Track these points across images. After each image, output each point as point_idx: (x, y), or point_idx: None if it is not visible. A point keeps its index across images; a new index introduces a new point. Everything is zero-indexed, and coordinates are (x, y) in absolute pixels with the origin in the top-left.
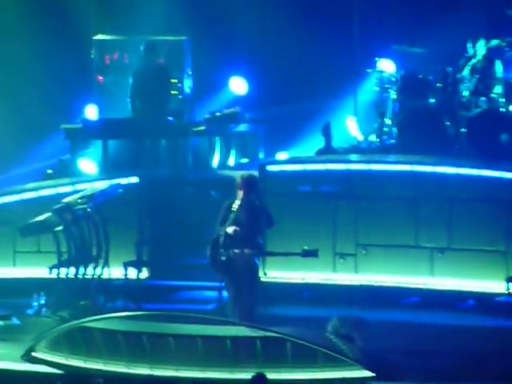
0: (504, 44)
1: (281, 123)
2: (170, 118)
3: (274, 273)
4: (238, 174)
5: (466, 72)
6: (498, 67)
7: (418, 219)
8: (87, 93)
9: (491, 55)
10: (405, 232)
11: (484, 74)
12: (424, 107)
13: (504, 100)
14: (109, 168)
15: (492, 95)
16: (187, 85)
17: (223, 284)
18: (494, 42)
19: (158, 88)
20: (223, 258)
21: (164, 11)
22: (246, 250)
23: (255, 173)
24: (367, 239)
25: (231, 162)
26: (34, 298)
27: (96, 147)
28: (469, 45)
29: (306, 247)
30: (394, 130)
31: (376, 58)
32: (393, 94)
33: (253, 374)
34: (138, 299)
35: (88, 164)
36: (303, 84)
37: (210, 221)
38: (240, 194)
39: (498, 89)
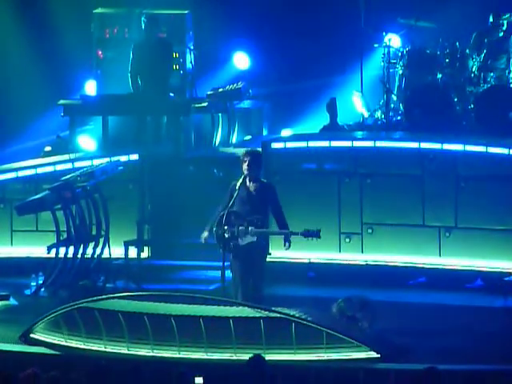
0: None
1: (285, 99)
2: (172, 94)
3: (278, 252)
4: (241, 151)
5: (477, 46)
6: None
7: (425, 198)
8: (86, 68)
9: (509, 30)
10: (411, 211)
11: (498, 48)
12: (431, 83)
13: None
14: (109, 145)
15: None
16: (189, 60)
17: (227, 263)
18: None
19: (159, 63)
20: (227, 235)
21: None
22: (251, 229)
23: (259, 149)
24: (373, 218)
25: (234, 139)
26: (32, 278)
27: (95, 124)
28: (491, 19)
29: (307, 228)
30: (401, 106)
31: (383, 33)
32: (399, 70)
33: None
34: (139, 279)
35: (87, 141)
36: (308, 59)
37: (213, 199)
38: (244, 167)
39: (504, 63)
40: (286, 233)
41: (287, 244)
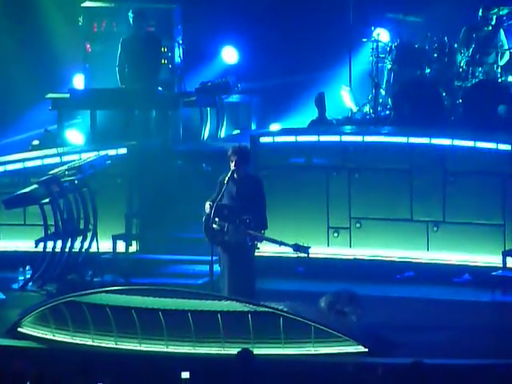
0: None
1: (274, 94)
2: (160, 88)
3: (266, 247)
4: (228, 148)
5: (466, 40)
6: (503, 36)
7: (413, 192)
8: (75, 62)
9: (498, 24)
10: (400, 205)
11: (487, 42)
12: (420, 78)
13: (500, 70)
14: (97, 139)
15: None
16: (177, 54)
17: (216, 257)
18: (504, 11)
19: (147, 57)
20: (216, 227)
21: None
22: (240, 226)
23: (247, 144)
24: (361, 213)
25: (223, 133)
26: (20, 272)
27: (84, 117)
28: (480, 13)
29: (299, 242)
30: (389, 100)
31: (372, 28)
32: (388, 64)
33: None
34: (127, 273)
35: (75, 135)
36: (297, 54)
37: (201, 193)
38: (231, 166)
39: (493, 58)
40: (276, 242)
41: (256, 243)
